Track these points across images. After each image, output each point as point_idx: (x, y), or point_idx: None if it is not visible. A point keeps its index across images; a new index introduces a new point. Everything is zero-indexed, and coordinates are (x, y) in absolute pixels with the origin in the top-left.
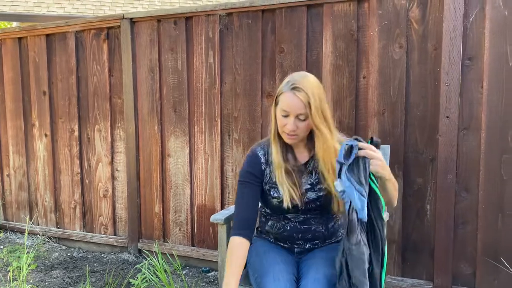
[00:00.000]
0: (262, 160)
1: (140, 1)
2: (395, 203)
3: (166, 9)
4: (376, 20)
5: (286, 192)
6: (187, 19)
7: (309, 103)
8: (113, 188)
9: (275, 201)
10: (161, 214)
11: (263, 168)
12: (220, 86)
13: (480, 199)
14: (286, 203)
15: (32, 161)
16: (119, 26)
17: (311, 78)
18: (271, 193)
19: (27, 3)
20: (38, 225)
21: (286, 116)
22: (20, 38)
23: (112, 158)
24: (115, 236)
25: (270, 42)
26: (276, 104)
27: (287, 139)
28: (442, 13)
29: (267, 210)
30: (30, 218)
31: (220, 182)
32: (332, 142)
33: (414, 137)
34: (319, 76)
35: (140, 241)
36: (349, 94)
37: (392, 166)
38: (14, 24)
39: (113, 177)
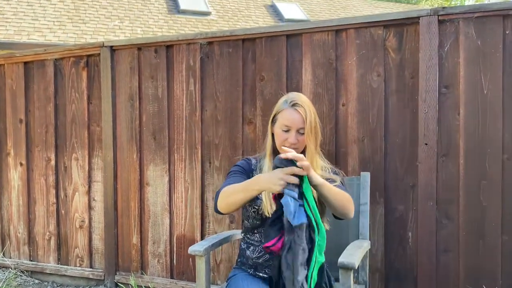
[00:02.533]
0: (253, 162)
1: (122, 30)
2: (350, 215)
3: (147, 37)
4: (354, 49)
5: (267, 200)
6: (168, 47)
7: (306, 118)
8: (90, 219)
9: (253, 208)
10: (139, 245)
11: (252, 168)
12: (201, 113)
13: (461, 225)
14: (266, 210)
15: (6, 191)
16: (99, 54)
17: (305, 97)
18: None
19: (7, 31)
20: (10, 258)
21: (287, 131)
22: None
23: (89, 187)
24: (91, 269)
25: (251, 71)
26: (273, 122)
27: None
28: (418, 43)
29: (248, 232)
30: (1, 251)
31: (200, 212)
32: (315, 155)
33: (394, 164)
34: None
35: (117, 273)
36: (329, 121)
37: (373, 193)
38: None
39: (90, 207)
